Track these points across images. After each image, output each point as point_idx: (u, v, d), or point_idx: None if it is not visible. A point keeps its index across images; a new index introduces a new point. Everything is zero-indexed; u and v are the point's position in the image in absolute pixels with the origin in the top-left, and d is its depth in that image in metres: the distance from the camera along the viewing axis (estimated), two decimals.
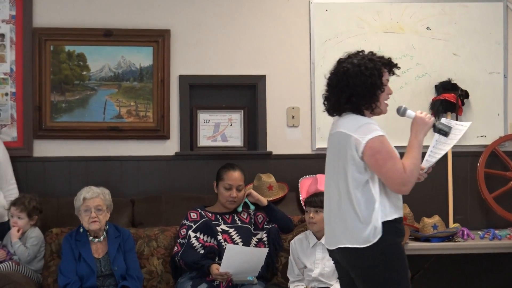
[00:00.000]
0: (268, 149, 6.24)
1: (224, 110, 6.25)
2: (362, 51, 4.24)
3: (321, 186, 5.91)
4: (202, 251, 5.36)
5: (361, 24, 6.42)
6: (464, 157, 6.46)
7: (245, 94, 6.29)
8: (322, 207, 5.32)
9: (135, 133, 6.12)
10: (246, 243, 5.43)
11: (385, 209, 4.06)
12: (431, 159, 4.31)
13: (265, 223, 5.59)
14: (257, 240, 5.50)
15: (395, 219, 4.09)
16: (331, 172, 4.19)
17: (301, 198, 6.01)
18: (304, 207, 5.73)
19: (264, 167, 6.18)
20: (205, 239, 5.43)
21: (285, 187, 6.11)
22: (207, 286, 5.22)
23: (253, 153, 6.22)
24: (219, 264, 5.21)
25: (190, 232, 5.43)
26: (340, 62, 4.20)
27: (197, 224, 5.47)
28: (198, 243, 5.40)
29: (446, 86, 6.44)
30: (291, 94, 6.31)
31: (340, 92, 4.13)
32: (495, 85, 6.55)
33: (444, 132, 4.25)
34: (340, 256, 4.17)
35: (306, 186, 6.04)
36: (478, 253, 6.13)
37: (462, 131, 4.31)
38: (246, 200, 5.59)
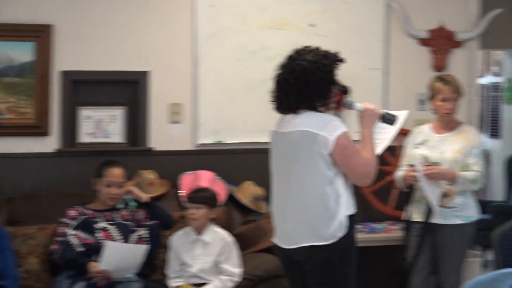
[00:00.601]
0: (152, 145, 6.26)
1: (106, 106, 6.24)
2: (308, 46, 4.24)
3: (202, 182, 5.97)
4: (81, 249, 5.35)
5: (246, 20, 6.47)
6: None
7: (128, 90, 6.27)
8: (203, 203, 5.37)
9: (14, 130, 6.03)
10: (126, 240, 5.44)
11: (348, 204, 4.17)
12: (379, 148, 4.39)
13: (146, 219, 5.62)
14: (137, 237, 5.51)
15: (354, 214, 4.20)
16: (290, 170, 4.17)
17: (181, 194, 6.04)
18: (184, 203, 5.77)
19: (146, 164, 6.18)
20: (84, 236, 5.41)
21: (166, 184, 6.13)
22: (85, 284, 5.22)
23: (134, 150, 6.22)
24: (100, 261, 5.22)
25: (68, 229, 5.42)
26: (292, 59, 4.18)
27: (76, 222, 5.46)
28: (77, 240, 5.38)
29: None
30: (174, 90, 6.33)
31: (298, 90, 4.11)
32: (375, 80, 6.70)
33: (391, 122, 4.36)
34: (300, 254, 4.18)
35: (186, 182, 6.08)
36: (358, 246, 6.27)
37: (401, 119, 4.42)
38: (127, 197, 5.61)
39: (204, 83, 6.34)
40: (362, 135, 4.28)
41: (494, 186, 10.63)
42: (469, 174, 5.30)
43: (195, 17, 6.35)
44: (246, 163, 6.35)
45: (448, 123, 5.46)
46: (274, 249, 4.45)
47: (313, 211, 4.12)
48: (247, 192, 6.13)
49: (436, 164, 5.30)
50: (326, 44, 6.49)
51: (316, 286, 4.20)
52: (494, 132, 11.06)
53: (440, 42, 6.74)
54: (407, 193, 5.51)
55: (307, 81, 4.10)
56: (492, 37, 8.96)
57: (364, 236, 6.20)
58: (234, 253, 5.49)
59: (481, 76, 11.20)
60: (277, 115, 4.34)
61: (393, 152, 6.55)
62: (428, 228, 5.35)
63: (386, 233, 6.31)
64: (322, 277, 4.17)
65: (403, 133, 6.37)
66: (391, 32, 6.73)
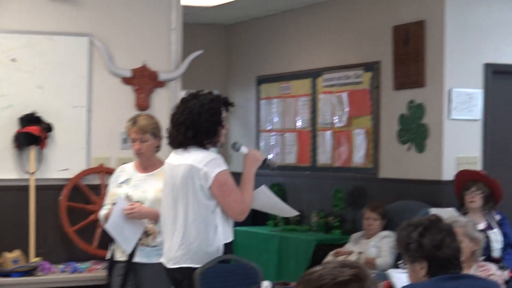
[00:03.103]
0: None
1: None
2: (202, 90, 4.77)
3: None
4: None
5: None
6: (47, 190, 6.45)
7: None
8: None
9: None
10: None
11: (225, 233, 4.68)
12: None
13: None
14: None
15: (231, 242, 4.73)
16: (177, 198, 4.69)
17: None
18: None
19: None
20: None
21: None
22: None
23: None
24: None
25: None
26: (184, 101, 4.73)
27: None
28: None
29: (30, 119, 6.40)
30: None
31: (186, 129, 4.64)
32: (79, 118, 6.63)
33: (273, 167, 4.94)
34: (180, 274, 4.68)
35: None
36: (60, 286, 6.14)
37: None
38: None
39: None
40: (244, 176, 4.78)
41: None
42: None
43: None
44: None
45: (149, 163, 5.47)
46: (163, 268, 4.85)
47: (194, 237, 4.64)
48: None
49: (138, 203, 5.30)
50: (29, 80, 6.45)
51: None
52: None
53: (143, 81, 6.82)
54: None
55: (194, 121, 4.63)
56: (193, 77, 9.27)
57: (67, 276, 6.08)
58: None
59: None
60: None
61: (97, 191, 6.51)
62: (131, 267, 5.34)
63: (90, 272, 6.22)
64: None
65: (108, 172, 6.37)
66: (94, 69, 6.71)
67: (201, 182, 4.62)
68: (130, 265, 5.33)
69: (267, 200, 4.93)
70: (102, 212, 5.45)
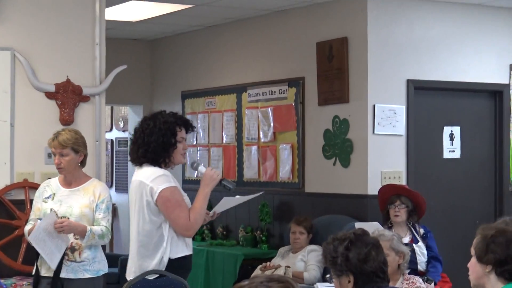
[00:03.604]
0: None
1: None
2: (164, 111, 4.95)
3: None
4: None
5: None
6: None
7: None
8: None
9: None
10: None
11: (176, 248, 4.80)
12: (219, 207, 5.05)
13: None
14: None
15: (184, 256, 4.83)
16: (133, 214, 4.88)
17: None
18: None
19: None
20: None
21: None
22: None
23: None
24: None
25: None
26: (144, 119, 4.94)
27: None
28: None
29: None
30: None
31: (138, 147, 4.85)
32: (2, 133, 6.53)
33: (229, 188, 5.02)
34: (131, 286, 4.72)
35: None
36: None
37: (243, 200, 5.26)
38: None
39: None
40: (197, 194, 4.93)
41: (122, 240, 10.81)
42: (97, 229, 5.31)
43: None
44: None
45: (73, 178, 5.42)
46: None
47: (137, 250, 4.83)
48: None
49: (64, 218, 5.24)
50: None
51: None
52: (121, 186, 11.29)
53: (67, 96, 6.73)
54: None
55: (144, 141, 4.83)
56: (117, 92, 9.22)
57: None
58: None
59: (109, 130, 11.41)
60: None
61: (21, 206, 6.40)
62: (57, 283, 5.26)
63: None
64: None
65: (32, 186, 6.28)
66: (17, 84, 6.60)
67: (147, 198, 4.79)
68: (56, 280, 5.26)
69: (234, 202, 5.24)
70: (27, 227, 5.38)
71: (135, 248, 4.86)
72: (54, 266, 5.21)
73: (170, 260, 4.80)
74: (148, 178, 4.80)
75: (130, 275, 4.88)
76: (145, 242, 4.81)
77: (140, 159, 4.87)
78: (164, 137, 4.84)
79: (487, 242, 3.40)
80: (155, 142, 4.82)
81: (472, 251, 3.47)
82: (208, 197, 4.94)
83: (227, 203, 5.10)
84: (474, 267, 3.46)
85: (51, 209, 5.29)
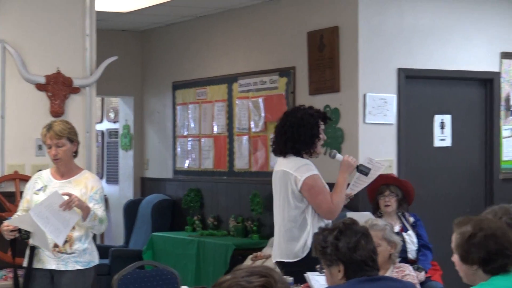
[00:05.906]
0: None
1: None
2: (303, 105, 5.39)
3: None
4: None
5: None
6: None
7: None
8: None
9: None
10: None
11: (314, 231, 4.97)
12: (354, 188, 5.55)
13: None
14: None
15: None
16: (278, 201, 5.33)
17: None
18: None
19: None
20: None
21: None
22: None
23: None
24: None
25: None
26: (286, 114, 5.35)
27: None
28: None
29: None
30: None
31: (286, 140, 5.24)
32: None
33: (365, 173, 5.42)
34: (279, 268, 5.10)
35: None
36: None
37: (380, 169, 5.55)
38: None
39: None
40: (337, 180, 5.36)
41: (113, 231, 10.80)
42: (98, 212, 5.25)
43: None
44: None
45: (66, 169, 5.40)
46: None
47: (283, 234, 5.25)
48: None
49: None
50: None
51: None
52: (112, 178, 11.27)
53: (57, 87, 6.72)
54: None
55: (293, 133, 5.22)
56: (108, 83, 9.20)
57: None
58: None
59: (100, 122, 11.39)
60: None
61: (11, 198, 6.40)
62: (48, 275, 5.26)
63: (5, 281, 6.10)
64: None
65: (23, 179, 6.28)
66: (7, 76, 6.60)
67: (292, 186, 5.23)
68: (46, 272, 5.26)
69: (367, 181, 5.56)
70: (14, 217, 5.34)
71: (281, 233, 5.27)
72: (60, 242, 5.16)
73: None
74: (292, 168, 5.23)
75: (276, 257, 5.32)
76: (290, 226, 5.22)
77: (287, 150, 5.26)
78: (313, 130, 5.25)
79: (467, 243, 3.39)
80: (305, 134, 5.23)
81: (453, 249, 3.46)
82: (346, 182, 5.37)
83: (361, 183, 5.53)
84: (460, 266, 3.45)
85: (56, 191, 5.21)
